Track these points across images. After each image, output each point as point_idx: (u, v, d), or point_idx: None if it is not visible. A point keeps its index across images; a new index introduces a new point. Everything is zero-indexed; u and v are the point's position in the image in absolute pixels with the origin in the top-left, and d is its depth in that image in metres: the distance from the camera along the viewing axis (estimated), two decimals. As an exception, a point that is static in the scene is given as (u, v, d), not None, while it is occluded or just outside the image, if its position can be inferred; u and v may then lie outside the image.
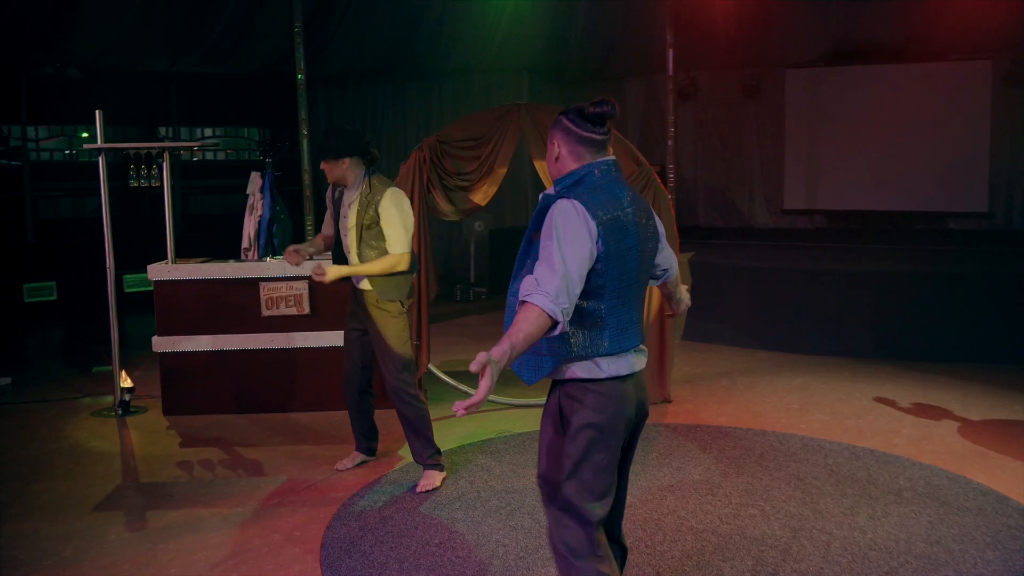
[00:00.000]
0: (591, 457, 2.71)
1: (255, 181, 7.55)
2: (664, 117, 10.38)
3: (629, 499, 3.24)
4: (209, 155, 14.65)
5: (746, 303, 8.53)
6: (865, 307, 7.76)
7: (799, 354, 7.60)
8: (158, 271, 6.09)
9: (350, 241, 4.57)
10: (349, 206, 4.57)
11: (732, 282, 8.77)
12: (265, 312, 6.06)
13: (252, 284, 6.06)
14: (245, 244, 7.48)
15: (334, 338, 5.99)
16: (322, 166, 4.55)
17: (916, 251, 9.12)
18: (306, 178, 7.93)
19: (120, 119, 11.57)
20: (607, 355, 2.71)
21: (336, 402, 5.90)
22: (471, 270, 11.46)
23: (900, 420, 5.72)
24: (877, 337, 7.63)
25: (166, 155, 6.10)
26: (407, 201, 4.57)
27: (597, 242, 2.61)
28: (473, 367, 2.37)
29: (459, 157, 5.97)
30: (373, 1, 10.14)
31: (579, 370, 2.72)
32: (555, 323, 2.52)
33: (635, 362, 2.78)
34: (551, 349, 2.72)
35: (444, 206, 6.03)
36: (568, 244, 2.56)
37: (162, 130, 12.60)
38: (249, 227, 7.58)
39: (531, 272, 2.61)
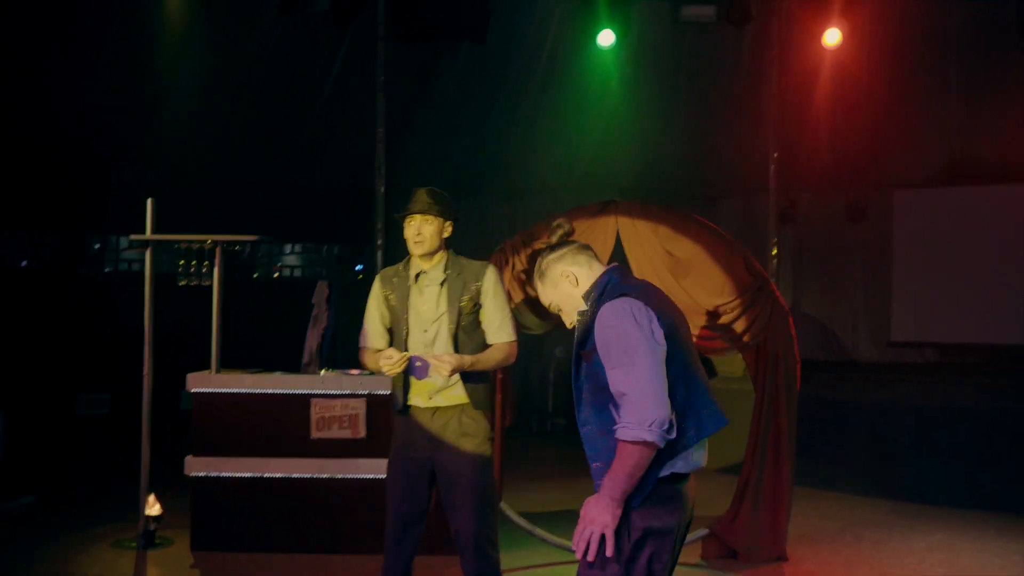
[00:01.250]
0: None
1: (321, 291, 6.97)
2: (763, 240, 9.69)
3: None
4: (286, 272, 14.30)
5: (861, 444, 7.53)
6: (1000, 451, 6.74)
7: (929, 505, 6.49)
8: (198, 381, 5.42)
9: (434, 336, 3.71)
10: (430, 289, 3.75)
11: (842, 420, 7.83)
12: (315, 434, 5.30)
13: (302, 401, 5.32)
14: (306, 359, 6.84)
15: (392, 467, 5.19)
16: (415, 225, 3.69)
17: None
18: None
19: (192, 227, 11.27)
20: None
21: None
22: (548, 399, 10.61)
23: None
24: (1018, 489, 6.55)
25: (218, 249, 5.52)
26: None
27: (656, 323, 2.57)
28: None
29: (545, 260, 5.24)
30: (458, 115, 9.75)
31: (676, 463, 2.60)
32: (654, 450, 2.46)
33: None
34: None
35: (528, 318, 5.27)
36: (637, 348, 2.51)
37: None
38: (312, 340, 6.95)
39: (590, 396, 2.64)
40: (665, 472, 2.58)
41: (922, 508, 6.42)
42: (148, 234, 5.46)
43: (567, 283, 2.76)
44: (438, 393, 3.74)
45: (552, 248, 2.83)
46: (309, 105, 9.13)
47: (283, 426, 5.32)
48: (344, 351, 6.67)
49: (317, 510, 5.28)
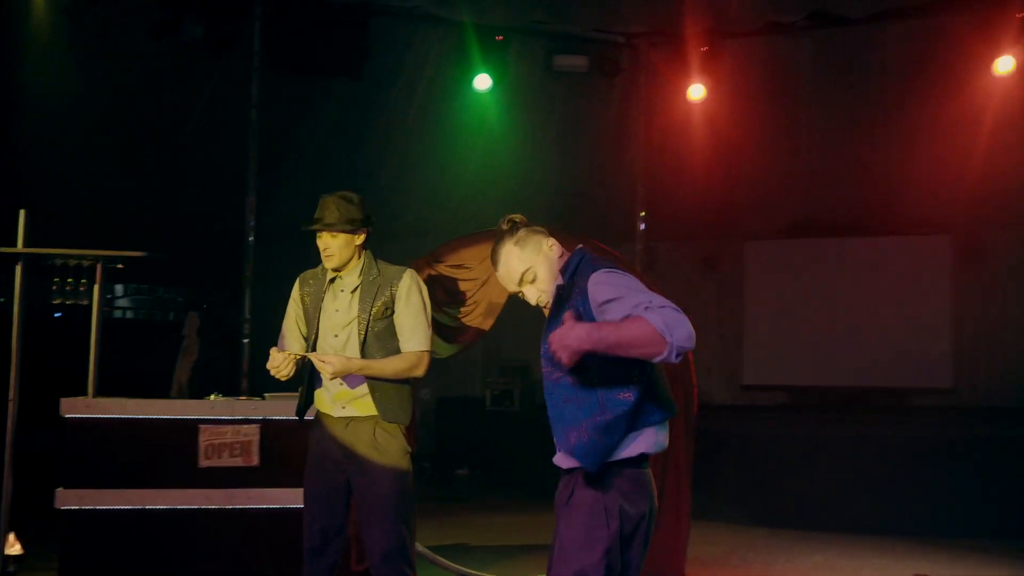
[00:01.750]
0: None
1: (192, 323, 6.65)
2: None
3: None
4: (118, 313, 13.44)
5: (729, 475, 7.78)
6: (857, 478, 7.17)
7: (802, 530, 6.77)
8: (72, 407, 4.99)
9: (344, 342, 3.59)
10: (344, 295, 3.63)
11: (708, 454, 8.10)
12: (203, 462, 4.98)
13: (189, 427, 4.99)
14: (174, 392, 6.51)
15: (288, 497, 4.93)
16: (326, 243, 3.57)
17: (896, 424, 8.64)
18: (247, 328, 7.02)
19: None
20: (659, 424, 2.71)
21: (287, 577, 4.80)
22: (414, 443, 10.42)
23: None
24: (880, 511, 6.97)
25: (99, 267, 5.15)
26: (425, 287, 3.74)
27: None
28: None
29: (450, 283, 5.19)
30: (330, 153, 9.58)
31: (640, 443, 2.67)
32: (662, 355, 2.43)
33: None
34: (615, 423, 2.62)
35: (435, 342, 5.17)
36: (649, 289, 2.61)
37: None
38: (181, 372, 6.61)
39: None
40: (635, 452, 2.63)
41: (796, 533, 6.68)
42: (20, 247, 5.05)
43: (552, 251, 2.80)
44: (351, 403, 3.60)
45: (518, 224, 2.86)
46: (176, 135, 8.76)
47: (168, 454, 4.98)
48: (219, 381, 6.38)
49: (205, 544, 4.94)
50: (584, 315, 2.63)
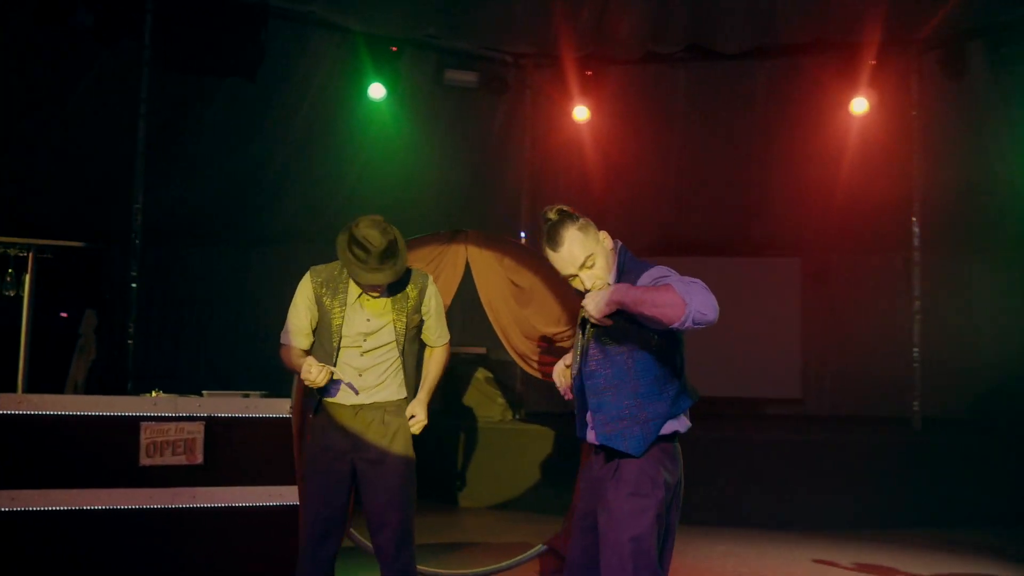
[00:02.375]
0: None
1: (90, 321, 6.44)
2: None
3: None
4: None
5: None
6: (735, 478, 7.73)
7: (700, 525, 7.19)
8: (3, 403, 4.73)
9: (373, 347, 3.64)
10: (375, 301, 3.64)
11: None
12: (144, 460, 4.84)
13: (130, 424, 4.84)
14: (68, 390, 6.27)
15: (234, 496, 4.91)
16: (381, 284, 3.57)
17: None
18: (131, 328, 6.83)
19: None
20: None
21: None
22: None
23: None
24: (762, 507, 7.58)
25: (31, 256, 4.91)
26: None
27: None
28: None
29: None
30: (214, 155, 9.33)
31: (675, 424, 3.01)
32: (680, 318, 2.69)
33: None
34: (656, 412, 2.94)
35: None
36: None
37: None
38: (77, 371, 6.37)
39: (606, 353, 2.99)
40: (669, 430, 2.97)
41: (696, 527, 7.10)
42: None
43: (607, 242, 3.07)
44: (365, 390, 3.69)
45: (571, 213, 3.09)
46: (55, 125, 8.30)
47: (106, 453, 4.81)
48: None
49: (147, 546, 4.80)
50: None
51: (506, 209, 10.39)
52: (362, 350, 3.66)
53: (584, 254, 2.99)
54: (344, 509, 3.70)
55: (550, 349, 5.59)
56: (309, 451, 3.74)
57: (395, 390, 3.72)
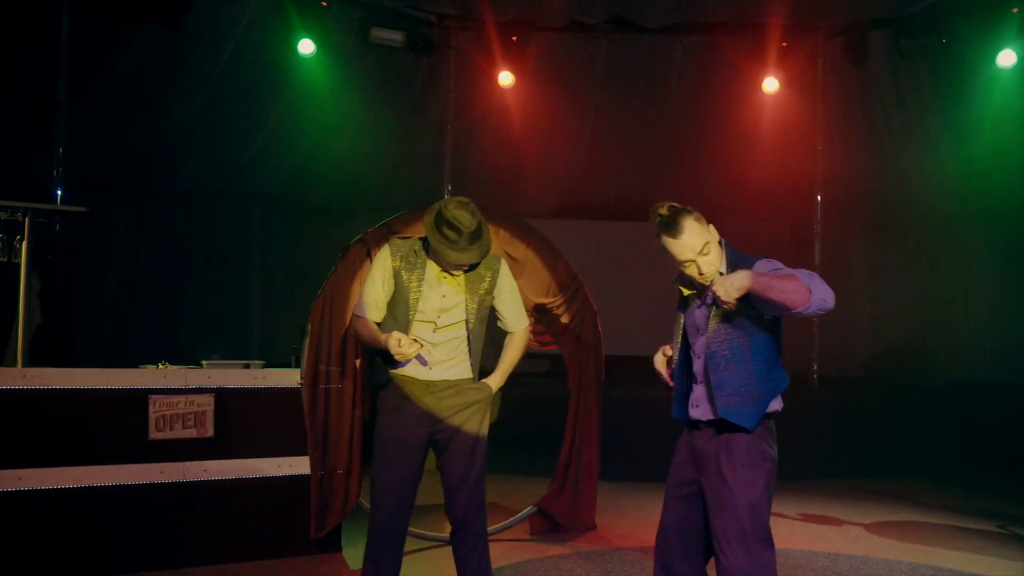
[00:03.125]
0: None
1: (33, 286, 6.19)
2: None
3: None
4: None
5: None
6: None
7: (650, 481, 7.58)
8: (3, 378, 4.48)
9: (446, 325, 3.72)
10: (450, 279, 3.71)
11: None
12: (154, 435, 4.71)
13: (139, 398, 4.70)
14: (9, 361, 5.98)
15: (243, 468, 4.88)
16: (467, 263, 3.67)
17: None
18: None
19: None
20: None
21: (247, 551, 4.79)
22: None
23: (819, 529, 6.01)
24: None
25: (27, 220, 4.63)
26: None
27: None
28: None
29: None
30: (130, 105, 8.83)
31: (776, 403, 3.28)
32: (804, 304, 2.98)
33: None
34: (765, 390, 3.22)
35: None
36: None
37: None
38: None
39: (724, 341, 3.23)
40: (772, 409, 3.25)
41: (649, 483, 7.47)
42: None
43: (716, 234, 3.28)
44: (436, 365, 3.76)
45: (684, 208, 3.29)
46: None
47: (114, 428, 4.66)
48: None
49: (158, 521, 4.70)
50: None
51: (427, 168, 10.41)
52: (436, 326, 3.73)
53: (701, 242, 3.20)
54: (418, 479, 3.78)
55: (541, 318, 5.78)
56: (382, 423, 3.76)
57: (463, 369, 3.81)
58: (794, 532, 5.95)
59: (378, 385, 3.83)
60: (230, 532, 4.85)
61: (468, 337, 3.79)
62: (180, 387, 4.78)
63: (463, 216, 3.60)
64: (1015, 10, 8.37)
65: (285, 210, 11.15)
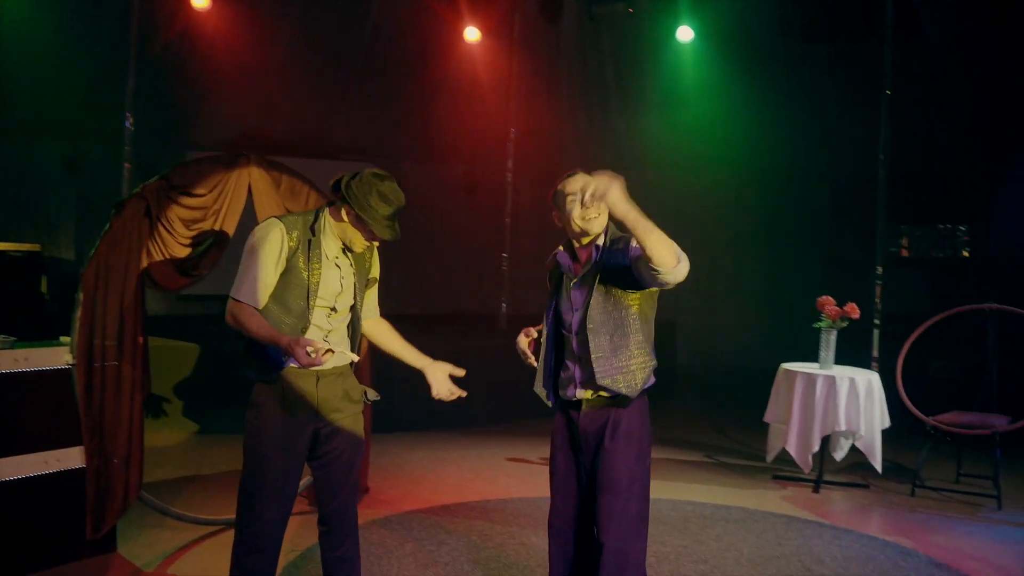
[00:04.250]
0: None
1: None
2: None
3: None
4: None
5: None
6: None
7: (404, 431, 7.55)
8: None
9: (344, 304, 3.38)
10: (343, 259, 3.38)
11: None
12: None
13: None
14: None
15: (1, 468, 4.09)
16: (389, 240, 3.32)
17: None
18: None
19: None
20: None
21: (6, 570, 4.08)
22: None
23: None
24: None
25: None
26: None
27: None
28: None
29: (188, 209, 4.67)
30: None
31: (651, 379, 3.30)
32: (672, 263, 2.90)
33: None
34: (641, 364, 3.23)
35: (164, 274, 4.61)
36: None
37: None
38: None
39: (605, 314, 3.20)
40: (649, 384, 3.29)
41: (405, 434, 7.47)
42: None
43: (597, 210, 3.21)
44: (339, 355, 3.37)
45: None
46: None
47: None
48: None
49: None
50: (622, 259, 3.17)
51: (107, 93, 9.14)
52: (332, 312, 3.40)
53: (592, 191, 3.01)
54: (299, 479, 3.45)
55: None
56: (265, 422, 3.33)
57: (347, 356, 3.53)
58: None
59: (255, 379, 3.38)
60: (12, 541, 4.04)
61: (353, 321, 3.49)
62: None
63: (394, 189, 3.30)
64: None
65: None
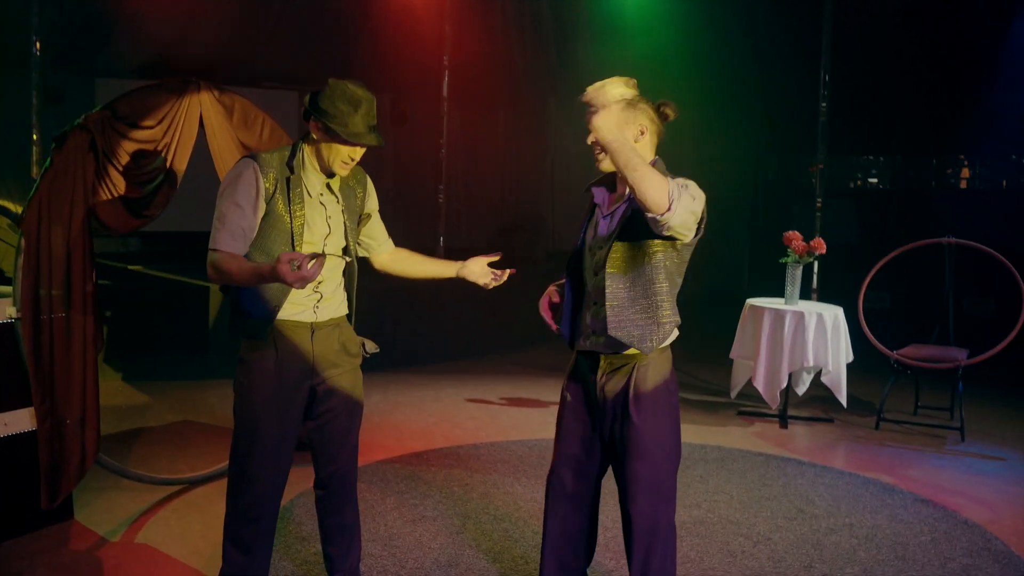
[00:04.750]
0: None
1: None
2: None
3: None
4: None
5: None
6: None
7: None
8: None
9: (334, 247, 3.06)
10: (328, 197, 3.06)
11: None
12: None
13: None
14: None
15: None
16: (358, 151, 3.00)
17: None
18: None
19: None
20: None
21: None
22: None
23: (526, 412, 6.27)
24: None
25: None
26: None
27: None
28: None
29: (136, 143, 4.20)
30: None
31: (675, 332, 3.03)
32: (664, 209, 2.58)
33: None
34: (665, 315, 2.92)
35: (114, 216, 4.15)
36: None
37: None
38: None
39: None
40: (671, 340, 3.05)
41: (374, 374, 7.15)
42: None
43: (635, 128, 2.86)
44: (323, 303, 3.08)
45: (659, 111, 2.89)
46: None
47: None
48: None
49: None
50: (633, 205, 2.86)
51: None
52: (332, 241, 3.08)
53: (613, 101, 2.73)
54: (294, 443, 3.15)
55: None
56: (257, 381, 3.00)
57: (344, 304, 3.21)
58: (510, 418, 6.14)
59: (247, 336, 3.04)
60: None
61: (348, 267, 3.17)
62: None
63: (358, 88, 2.93)
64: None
65: None
